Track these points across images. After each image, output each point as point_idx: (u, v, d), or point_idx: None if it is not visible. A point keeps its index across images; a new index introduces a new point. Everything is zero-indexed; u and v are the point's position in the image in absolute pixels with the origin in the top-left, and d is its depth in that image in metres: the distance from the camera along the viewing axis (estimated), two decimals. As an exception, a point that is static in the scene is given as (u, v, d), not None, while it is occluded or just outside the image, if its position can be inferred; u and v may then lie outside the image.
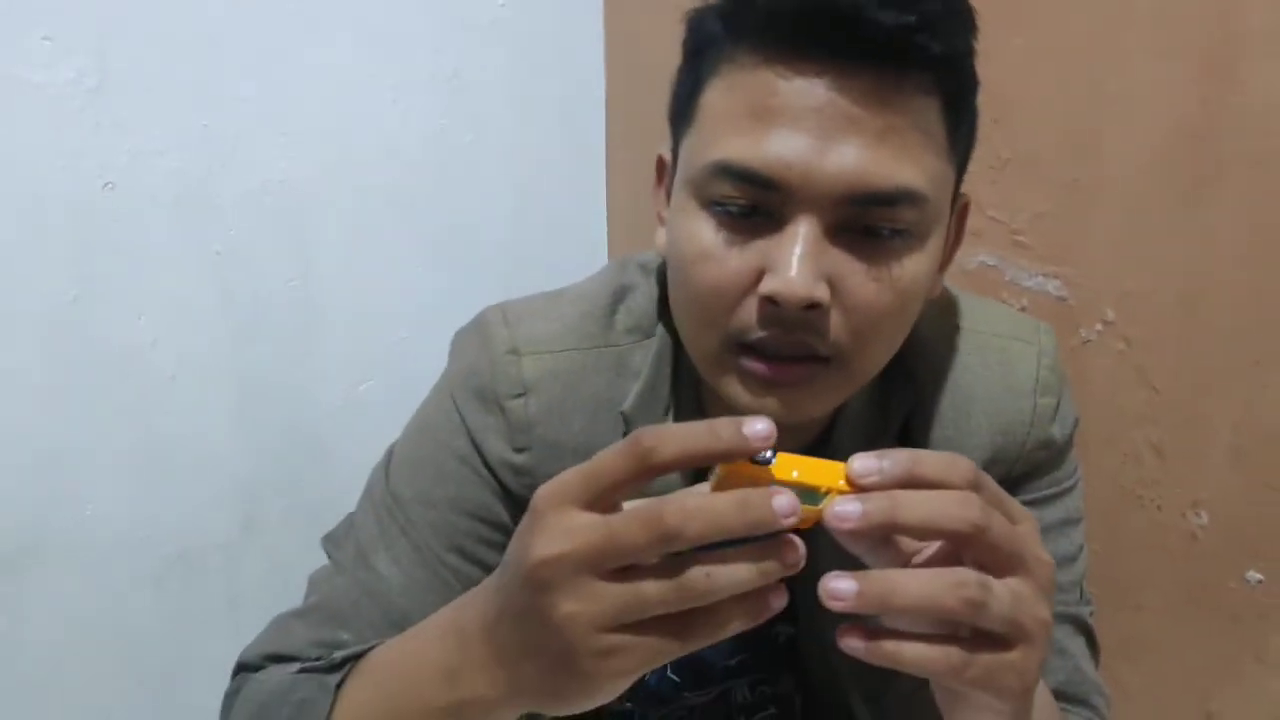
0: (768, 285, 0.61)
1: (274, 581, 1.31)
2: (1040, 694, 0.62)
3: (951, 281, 0.86)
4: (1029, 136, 1.14)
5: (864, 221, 0.63)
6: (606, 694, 0.48)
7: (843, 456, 0.58)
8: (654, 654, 0.45)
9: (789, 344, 0.63)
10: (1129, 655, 1.15)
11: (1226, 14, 1.01)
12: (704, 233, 0.64)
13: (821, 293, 0.61)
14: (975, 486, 0.49)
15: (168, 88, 1.19)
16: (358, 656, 0.66)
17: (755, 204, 0.63)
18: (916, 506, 0.47)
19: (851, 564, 0.64)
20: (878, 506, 0.47)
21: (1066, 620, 0.81)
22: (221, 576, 1.28)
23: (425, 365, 1.39)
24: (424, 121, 1.37)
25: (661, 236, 0.72)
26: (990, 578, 0.48)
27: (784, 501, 0.44)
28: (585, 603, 0.45)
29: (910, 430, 0.77)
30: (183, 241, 1.22)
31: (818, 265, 0.61)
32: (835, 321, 0.63)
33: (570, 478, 0.46)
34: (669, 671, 0.84)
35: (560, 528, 0.45)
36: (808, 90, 0.61)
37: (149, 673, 1.27)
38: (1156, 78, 1.06)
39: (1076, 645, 0.81)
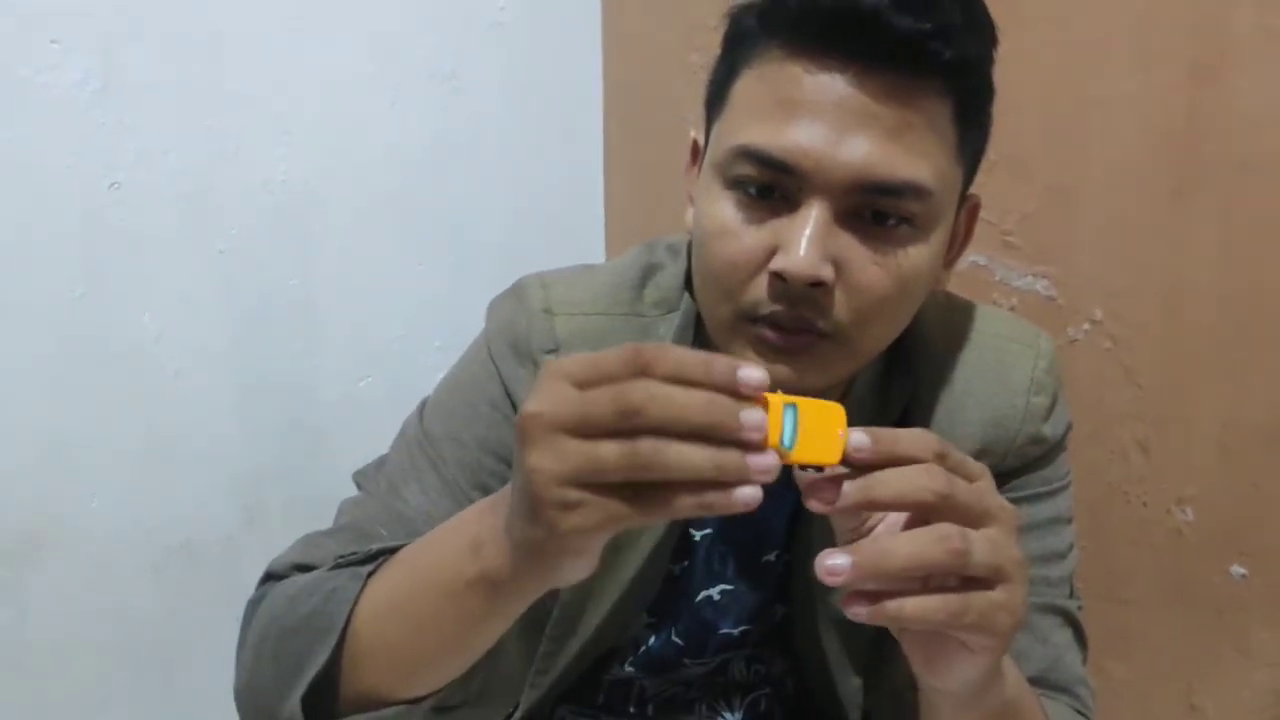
0: (777, 262, 0.66)
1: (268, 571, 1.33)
2: (1010, 668, 0.65)
3: (972, 301, 0.88)
4: (1017, 139, 1.16)
5: (872, 210, 0.67)
6: (574, 553, 0.53)
7: None
8: (608, 514, 0.48)
9: (794, 318, 0.67)
10: (1115, 648, 1.16)
11: (1211, 21, 1.03)
12: (725, 211, 0.69)
13: (826, 272, 0.65)
14: (940, 457, 0.53)
15: (172, 89, 1.21)
16: (391, 551, 0.69)
17: (772, 186, 0.67)
18: (890, 483, 0.51)
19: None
20: (855, 488, 0.51)
21: (1054, 612, 0.83)
22: (222, 567, 1.30)
23: (423, 362, 1.42)
24: (423, 122, 1.39)
25: (690, 215, 0.77)
26: (967, 529, 0.52)
27: (753, 416, 0.48)
28: (550, 457, 0.49)
29: (908, 417, 0.80)
30: (187, 240, 1.24)
31: (825, 247, 0.65)
32: (838, 301, 0.67)
33: (573, 359, 0.50)
34: (673, 635, 0.86)
35: (547, 393, 0.50)
36: (829, 85, 0.66)
37: (150, 662, 1.28)
38: (1142, 82, 1.08)
39: (1062, 637, 0.83)
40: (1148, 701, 1.15)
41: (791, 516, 0.84)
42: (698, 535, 0.84)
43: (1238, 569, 1.08)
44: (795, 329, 0.68)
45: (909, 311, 0.74)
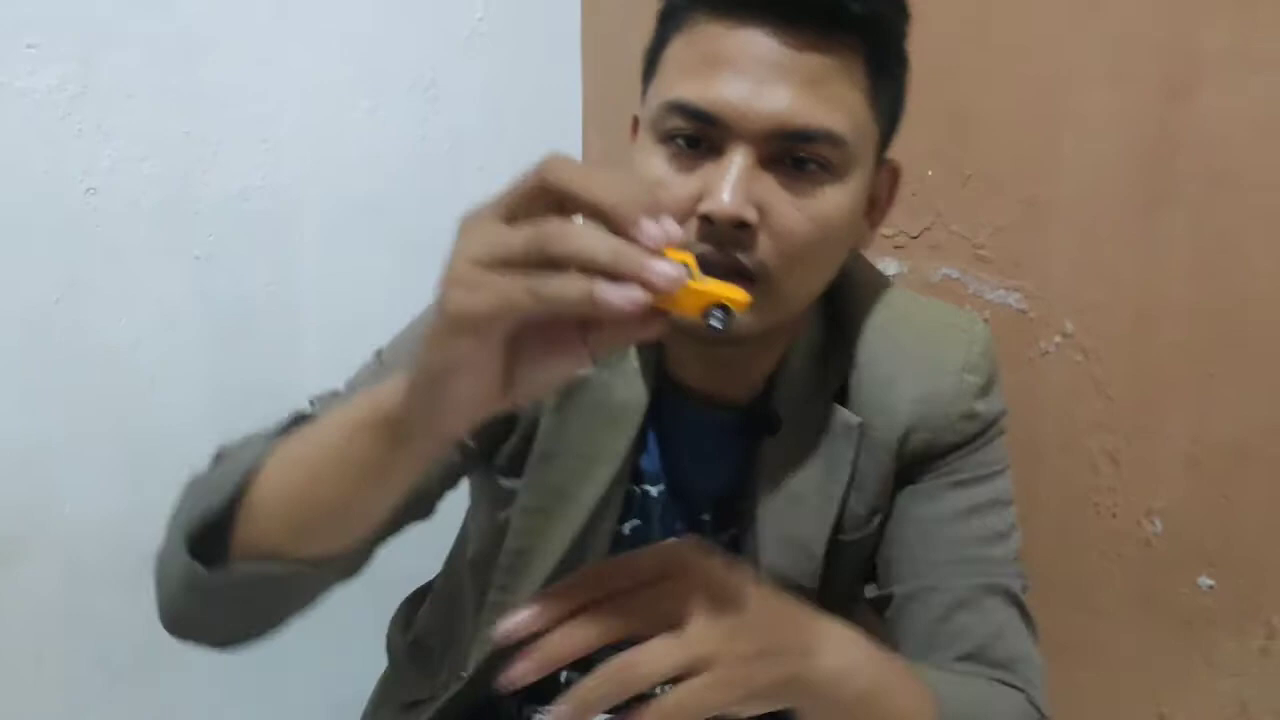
0: (704, 205, 0.71)
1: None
2: (866, 667, 0.68)
3: (916, 293, 0.90)
4: (991, 153, 1.17)
5: (791, 156, 0.72)
6: (464, 360, 0.51)
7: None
8: (500, 295, 0.48)
9: (722, 259, 0.71)
10: (1084, 658, 1.17)
11: (1184, 37, 1.04)
12: (658, 163, 0.74)
13: (749, 213, 0.70)
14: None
15: (150, 95, 1.20)
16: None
17: (699, 137, 0.73)
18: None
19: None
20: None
21: (995, 591, 0.85)
22: (198, 577, 1.29)
23: (402, 370, 1.42)
24: (402, 131, 1.39)
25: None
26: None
27: (652, 226, 0.48)
28: (470, 238, 0.50)
29: (845, 393, 0.85)
30: (163, 246, 1.24)
31: (748, 190, 0.70)
32: (762, 243, 0.72)
33: (489, 201, 0.52)
34: None
35: (474, 218, 0.52)
36: (749, 41, 0.71)
37: (124, 670, 1.28)
38: (1115, 98, 1.09)
39: (1005, 615, 0.85)
40: (1116, 710, 1.17)
41: (731, 495, 0.88)
42: (654, 491, 0.88)
43: (1206, 580, 1.09)
44: (724, 269, 0.71)
45: (830, 260, 0.78)
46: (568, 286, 0.47)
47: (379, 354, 0.87)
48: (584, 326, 0.51)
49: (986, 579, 0.84)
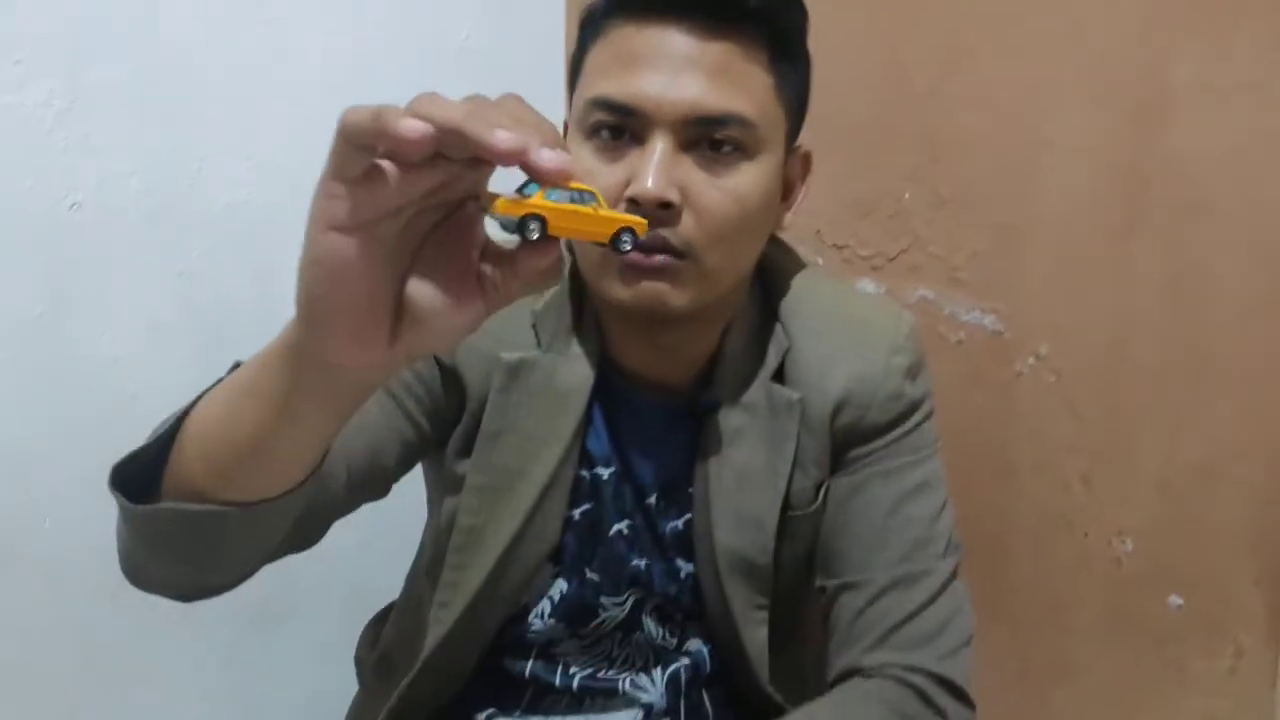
0: (631, 189, 0.76)
1: (229, 595, 1.33)
2: None
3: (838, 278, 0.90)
4: (968, 178, 1.19)
5: (707, 140, 0.78)
6: (337, 258, 0.50)
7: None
8: (351, 151, 0.50)
9: (650, 239, 0.76)
10: (1056, 676, 1.19)
11: (1158, 68, 1.07)
12: (585, 156, 0.80)
13: (673, 195, 0.76)
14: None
15: (136, 110, 1.21)
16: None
17: (622, 127, 0.79)
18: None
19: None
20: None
21: (918, 577, 0.86)
22: (179, 590, 1.29)
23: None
24: (388, 148, 1.39)
25: None
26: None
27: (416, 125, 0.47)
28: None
29: (782, 372, 0.89)
30: (148, 261, 1.24)
31: (670, 174, 0.76)
32: (687, 223, 0.78)
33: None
34: (587, 573, 0.92)
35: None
36: (660, 38, 0.78)
37: (107, 685, 1.27)
38: (1090, 126, 1.11)
39: (923, 595, 0.86)
40: (1088, 728, 1.18)
41: (677, 479, 0.90)
42: (605, 474, 0.90)
43: (1175, 599, 1.11)
44: (652, 248, 0.77)
45: (752, 236, 0.84)
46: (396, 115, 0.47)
47: None
48: (481, 265, 0.53)
49: (910, 565, 0.86)
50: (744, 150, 0.80)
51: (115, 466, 0.65)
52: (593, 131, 0.80)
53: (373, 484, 0.84)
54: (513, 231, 0.52)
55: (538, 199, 0.52)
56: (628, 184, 0.77)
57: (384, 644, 1.02)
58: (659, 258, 0.78)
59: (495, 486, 0.88)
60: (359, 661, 1.07)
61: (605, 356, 0.89)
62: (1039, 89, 1.14)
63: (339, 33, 1.35)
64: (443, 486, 0.92)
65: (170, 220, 1.24)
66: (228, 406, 0.62)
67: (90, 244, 1.19)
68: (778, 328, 0.90)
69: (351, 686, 1.08)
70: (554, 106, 1.58)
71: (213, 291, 1.28)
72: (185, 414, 0.65)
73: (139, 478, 0.65)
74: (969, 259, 1.20)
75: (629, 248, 0.55)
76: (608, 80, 0.79)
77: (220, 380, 0.67)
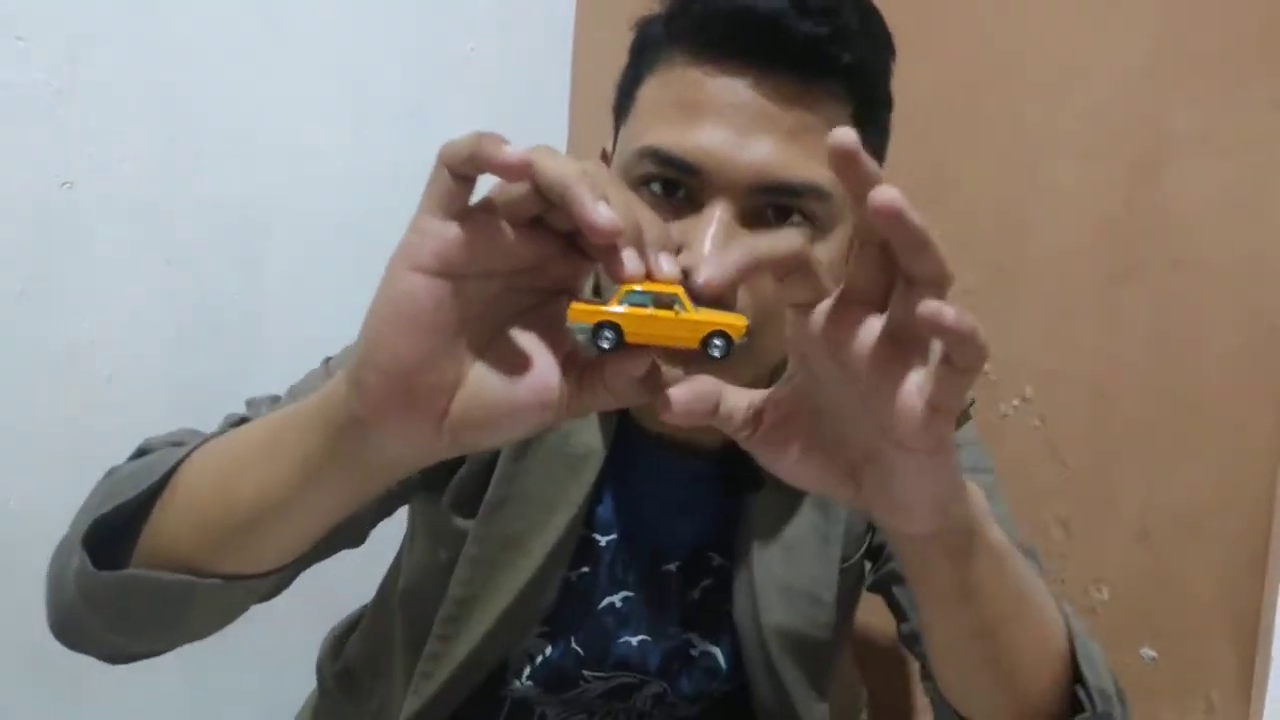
0: (683, 260, 0.64)
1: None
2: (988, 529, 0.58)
3: None
4: (963, 218, 1.19)
5: (773, 209, 0.68)
6: (399, 294, 0.48)
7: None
8: (438, 238, 0.46)
9: None
10: (1025, 723, 1.17)
11: (1153, 119, 1.08)
12: None
13: (730, 295, 0.65)
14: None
15: (135, 97, 1.20)
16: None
17: (677, 184, 0.69)
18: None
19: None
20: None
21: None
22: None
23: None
24: (383, 153, 1.39)
25: None
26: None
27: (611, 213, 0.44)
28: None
29: None
30: (134, 247, 1.23)
31: (728, 255, 0.65)
32: (741, 300, 0.67)
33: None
34: (572, 643, 0.84)
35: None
36: (730, 89, 0.68)
37: (60, 671, 1.24)
38: (1085, 174, 1.12)
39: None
40: (1055, 778, 1.17)
41: (706, 545, 0.84)
42: (603, 540, 0.83)
43: (1148, 652, 1.10)
44: None
45: None
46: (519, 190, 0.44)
47: (327, 362, 0.82)
48: (565, 370, 0.48)
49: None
50: (816, 225, 0.69)
51: (94, 522, 0.59)
52: (641, 182, 0.70)
53: (348, 534, 0.76)
54: (586, 341, 0.48)
55: (614, 303, 0.47)
56: (678, 252, 0.67)
57: (348, 659, 0.98)
58: None
59: (493, 560, 0.81)
60: (320, 668, 1.04)
61: (625, 416, 0.81)
62: (1036, 137, 1.15)
63: (344, 34, 1.36)
64: (431, 531, 0.86)
65: (160, 208, 1.24)
66: (237, 462, 0.57)
67: (78, 225, 1.19)
68: None
69: (305, 690, 1.05)
70: (557, 120, 1.59)
71: (196, 282, 1.27)
72: (173, 470, 0.59)
73: (106, 538, 0.59)
74: (959, 298, 1.19)
75: (721, 357, 0.47)
76: (664, 128, 0.69)
77: (210, 437, 0.62)
